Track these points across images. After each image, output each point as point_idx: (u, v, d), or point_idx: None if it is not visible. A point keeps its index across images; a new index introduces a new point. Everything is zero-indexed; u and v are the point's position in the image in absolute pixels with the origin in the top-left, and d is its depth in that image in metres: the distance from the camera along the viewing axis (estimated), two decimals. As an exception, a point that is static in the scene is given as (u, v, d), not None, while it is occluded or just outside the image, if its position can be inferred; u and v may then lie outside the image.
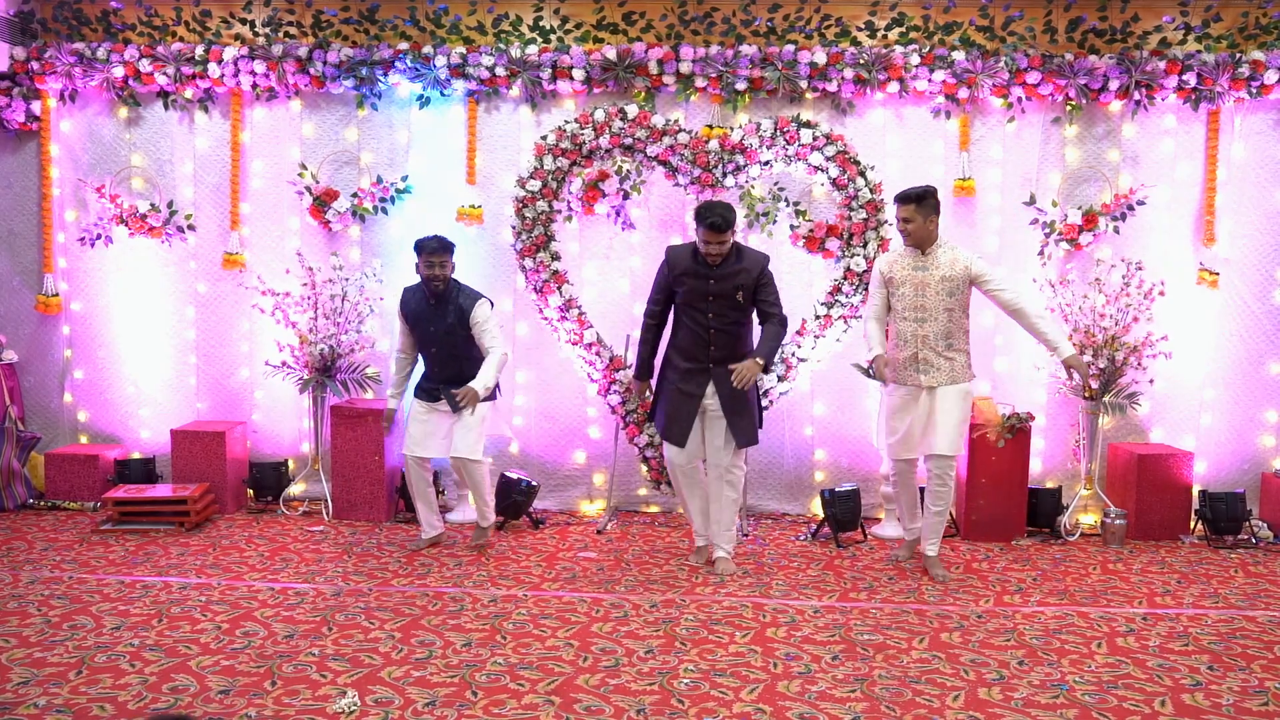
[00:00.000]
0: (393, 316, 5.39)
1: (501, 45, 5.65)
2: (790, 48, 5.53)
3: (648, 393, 4.94)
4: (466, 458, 4.82)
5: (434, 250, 4.81)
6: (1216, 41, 5.49)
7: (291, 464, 5.98)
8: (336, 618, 3.95)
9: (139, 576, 4.47)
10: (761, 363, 4.46)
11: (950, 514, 5.50)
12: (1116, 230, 5.54)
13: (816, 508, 5.77)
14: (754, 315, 4.66)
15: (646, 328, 4.80)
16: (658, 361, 4.83)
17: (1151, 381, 5.54)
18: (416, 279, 4.96)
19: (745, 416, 4.59)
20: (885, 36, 5.64)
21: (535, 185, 5.45)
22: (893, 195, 4.72)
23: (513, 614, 4.03)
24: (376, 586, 4.37)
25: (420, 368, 5.11)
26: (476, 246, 5.84)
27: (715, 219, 4.40)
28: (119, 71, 5.75)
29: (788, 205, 5.61)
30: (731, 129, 5.51)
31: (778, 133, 5.39)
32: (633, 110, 5.46)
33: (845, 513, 5.24)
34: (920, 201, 4.51)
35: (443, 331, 4.87)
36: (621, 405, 5.53)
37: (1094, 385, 4.27)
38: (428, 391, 4.95)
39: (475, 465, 4.86)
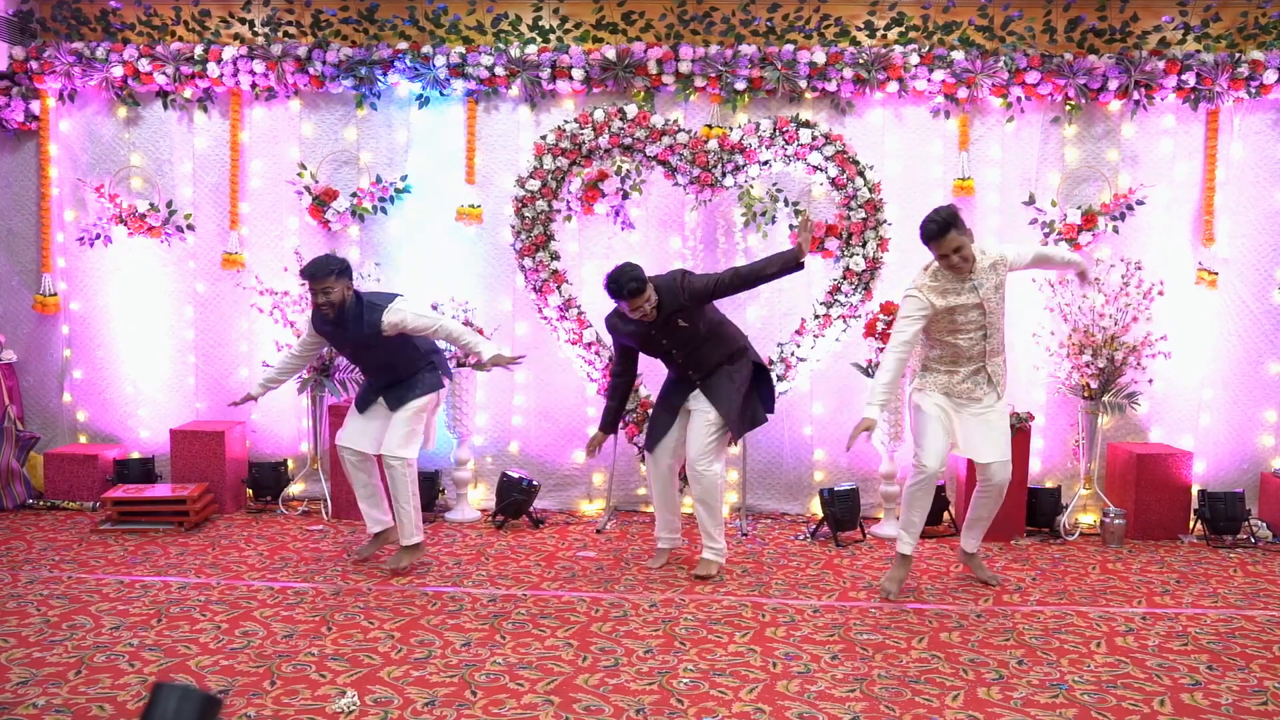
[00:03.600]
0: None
1: (501, 45, 5.65)
2: (790, 47, 5.53)
3: (600, 446, 4.82)
4: (393, 454, 4.46)
5: (314, 275, 4.33)
6: (1216, 41, 5.49)
7: (291, 464, 5.98)
8: (336, 617, 3.95)
9: (138, 576, 4.47)
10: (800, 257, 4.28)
11: (950, 514, 5.51)
12: (1115, 230, 5.54)
13: (816, 507, 5.77)
14: (720, 323, 4.55)
15: (613, 386, 4.75)
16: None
17: (1151, 381, 5.55)
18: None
19: (742, 406, 4.51)
20: (884, 36, 5.64)
21: (534, 185, 5.45)
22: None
23: (512, 613, 4.03)
24: (376, 586, 4.37)
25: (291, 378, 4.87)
26: (476, 246, 5.84)
27: (630, 286, 4.20)
28: (118, 71, 5.75)
29: (787, 205, 5.62)
30: (730, 129, 5.50)
31: (776, 132, 5.38)
32: (632, 110, 5.46)
33: (844, 512, 5.24)
34: (958, 224, 4.12)
35: (358, 344, 4.52)
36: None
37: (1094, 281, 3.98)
38: (364, 401, 4.64)
39: (400, 465, 4.47)
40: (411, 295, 4.92)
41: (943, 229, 4.07)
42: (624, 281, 4.22)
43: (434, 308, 5.45)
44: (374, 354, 4.54)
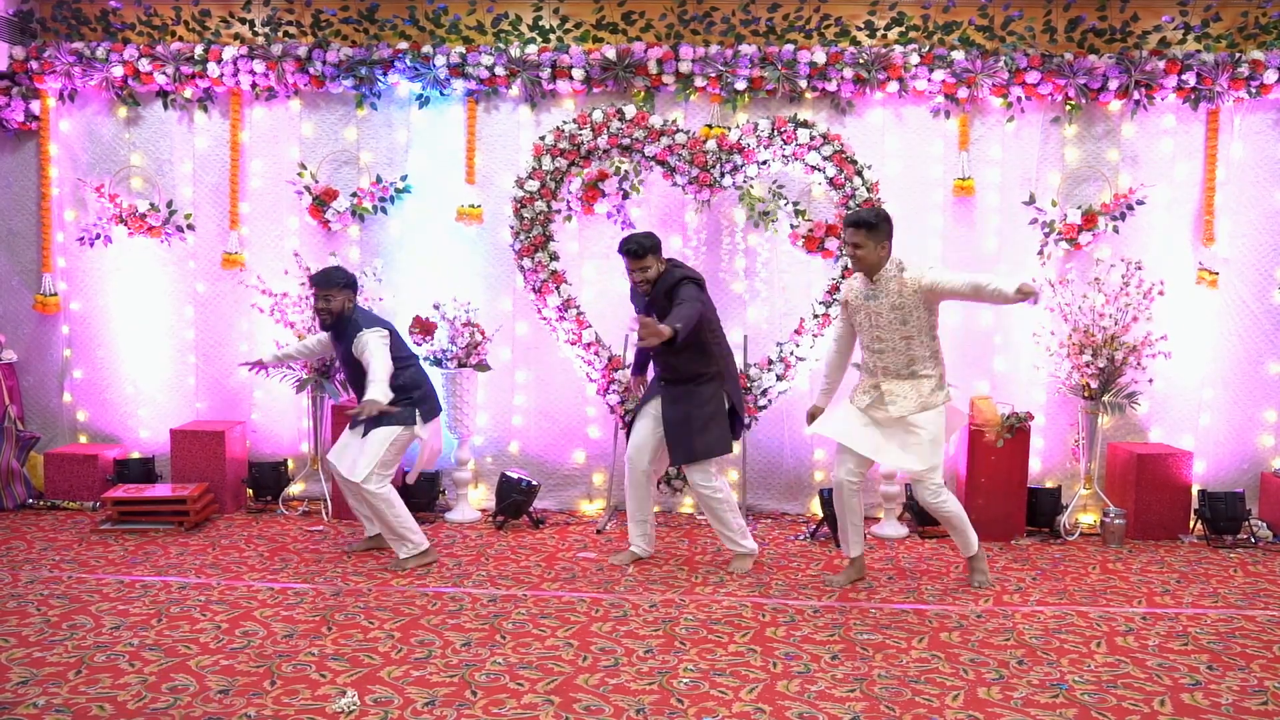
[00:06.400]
0: (392, 316, 5.37)
1: (501, 45, 5.65)
2: (790, 47, 5.53)
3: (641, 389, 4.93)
4: (345, 477, 4.60)
5: (318, 283, 4.66)
6: (1216, 41, 5.49)
7: (291, 464, 5.98)
8: (336, 617, 3.95)
9: (138, 576, 4.47)
10: (666, 329, 4.10)
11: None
12: (1116, 230, 5.54)
13: (816, 508, 5.77)
14: (705, 343, 4.49)
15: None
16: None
17: (1151, 381, 5.54)
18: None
19: (684, 436, 4.51)
20: (885, 36, 5.64)
21: (534, 185, 5.45)
22: (845, 218, 4.33)
23: (512, 614, 4.03)
24: (376, 586, 4.37)
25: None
26: (476, 246, 5.84)
27: (631, 245, 4.47)
28: (118, 71, 5.75)
29: (786, 205, 5.61)
30: (731, 129, 5.50)
31: (775, 132, 5.39)
32: (630, 110, 5.46)
33: (844, 512, 5.23)
34: (872, 229, 4.14)
35: (344, 356, 4.74)
36: (621, 405, 5.53)
37: (1035, 293, 3.88)
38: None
39: (354, 487, 4.59)
40: (410, 302, 4.99)
41: (861, 224, 4.17)
42: (631, 241, 4.50)
43: (435, 307, 5.48)
44: (354, 369, 4.71)
